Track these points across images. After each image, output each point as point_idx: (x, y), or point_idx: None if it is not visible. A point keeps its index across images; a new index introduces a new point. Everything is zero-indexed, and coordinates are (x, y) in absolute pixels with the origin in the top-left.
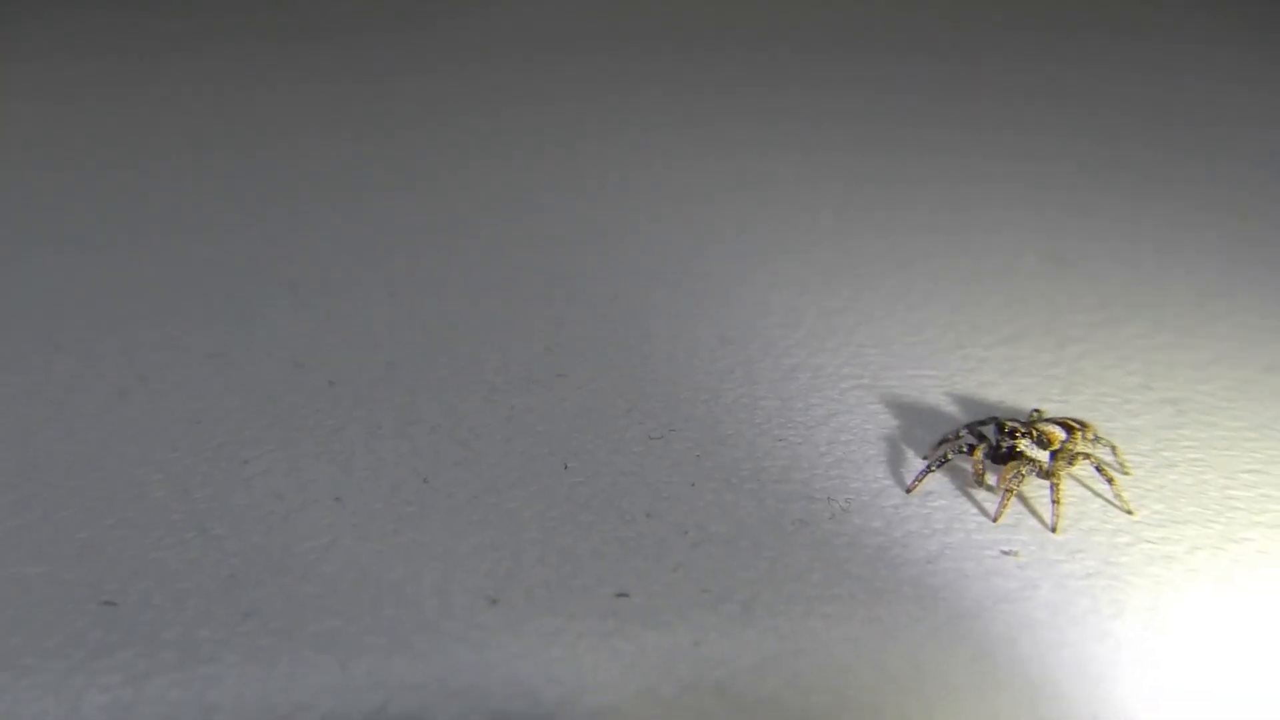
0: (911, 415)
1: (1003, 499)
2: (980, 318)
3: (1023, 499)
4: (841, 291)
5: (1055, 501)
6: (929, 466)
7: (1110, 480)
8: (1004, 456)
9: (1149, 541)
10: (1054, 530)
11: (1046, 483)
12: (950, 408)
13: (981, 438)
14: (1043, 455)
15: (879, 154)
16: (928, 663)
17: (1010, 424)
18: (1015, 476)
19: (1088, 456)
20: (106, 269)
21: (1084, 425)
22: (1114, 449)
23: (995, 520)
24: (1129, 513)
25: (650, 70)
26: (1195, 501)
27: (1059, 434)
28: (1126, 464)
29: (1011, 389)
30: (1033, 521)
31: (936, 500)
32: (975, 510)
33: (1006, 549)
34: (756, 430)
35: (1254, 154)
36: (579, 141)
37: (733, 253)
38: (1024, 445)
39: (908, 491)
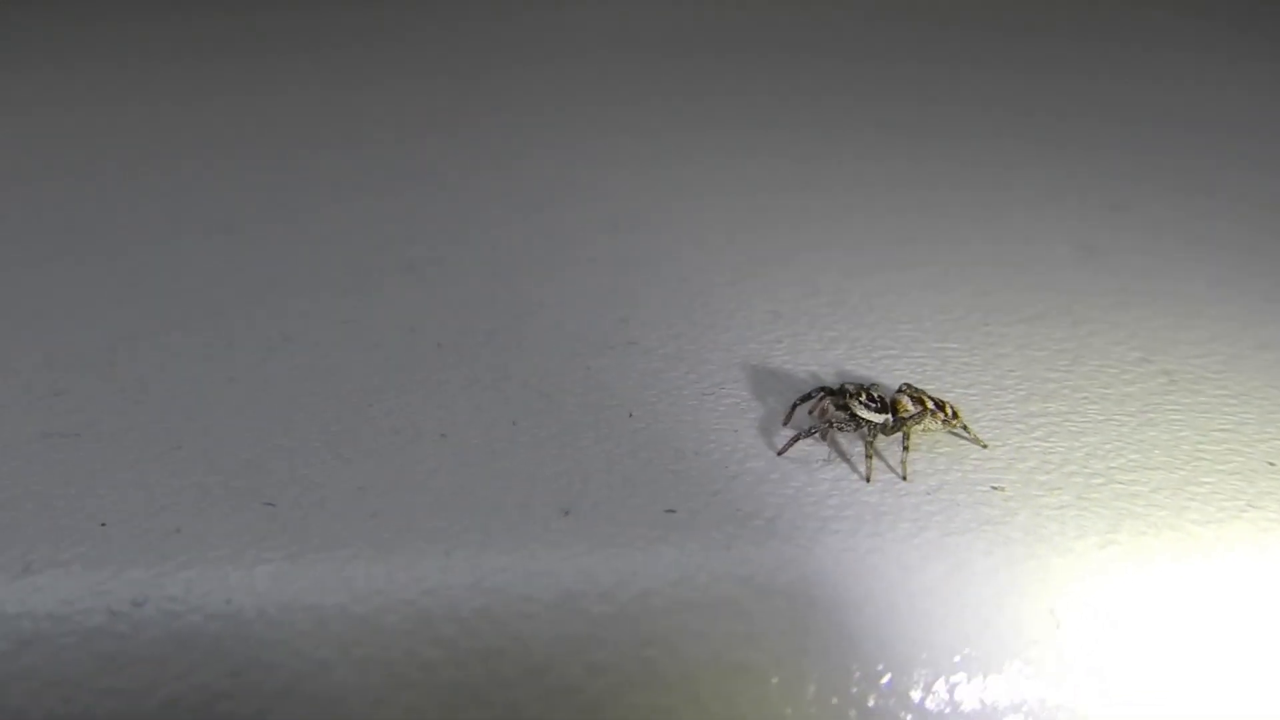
0: (932, 379)
1: (792, 438)
2: (1006, 299)
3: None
4: (883, 275)
5: (904, 449)
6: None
7: (906, 450)
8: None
9: (1119, 483)
10: (903, 478)
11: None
12: (967, 373)
13: (831, 392)
14: (875, 417)
15: (926, 154)
16: (914, 568)
17: (849, 387)
18: (820, 416)
19: (903, 430)
20: (255, 250)
21: (942, 406)
22: (966, 428)
23: (778, 453)
24: (903, 479)
25: (720, 73)
26: (1168, 453)
27: (907, 403)
28: (979, 439)
29: (1022, 360)
30: (1021, 464)
31: (941, 448)
32: (976, 454)
33: (996, 485)
34: (796, 390)
35: None
36: (658, 138)
37: (789, 241)
38: (855, 405)
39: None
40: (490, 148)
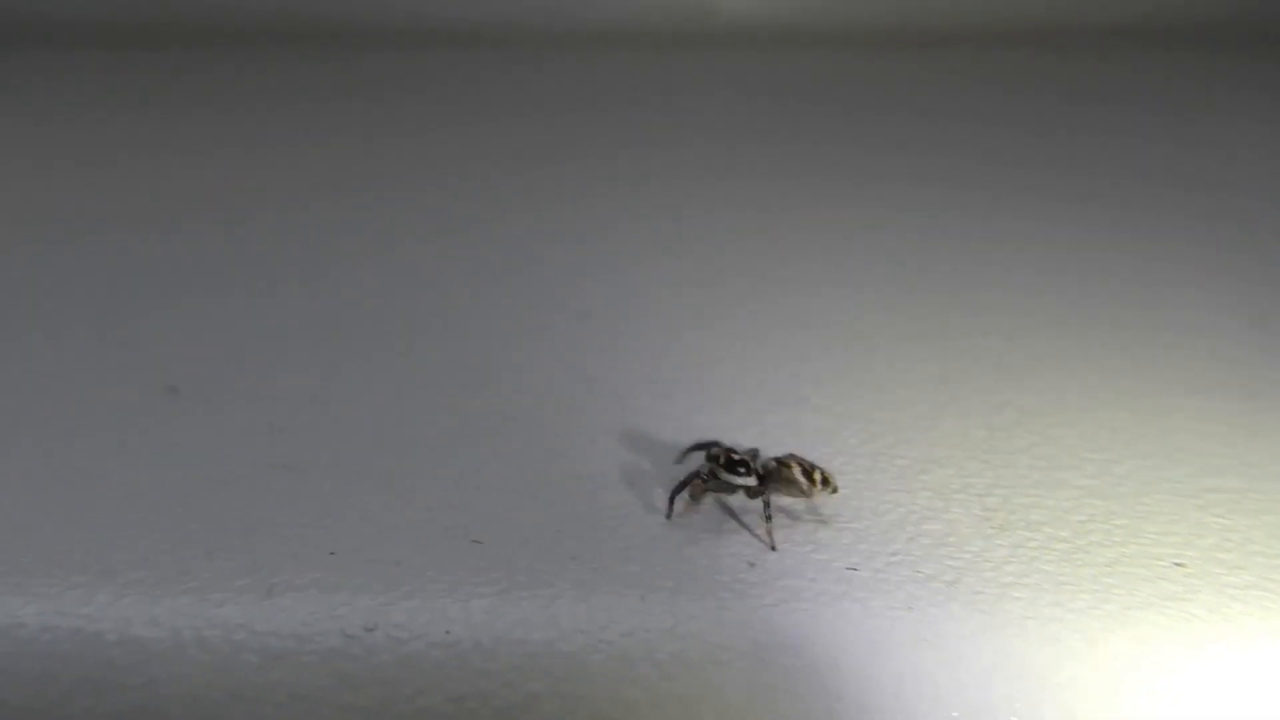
0: (1103, 449)
1: (669, 502)
2: (1177, 370)
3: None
4: (1051, 339)
5: (765, 517)
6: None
7: (768, 519)
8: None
9: None
10: (772, 548)
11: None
12: (1141, 444)
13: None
14: (739, 481)
15: (1093, 217)
16: (1099, 641)
17: (715, 451)
18: (691, 483)
19: (763, 495)
20: (446, 288)
21: (810, 474)
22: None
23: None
24: (772, 549)
25: (891, 128)
26: None
27: (773, 467)
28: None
29: (1195, 434)
30: (1201, 540)
31: (1117, 519)
32: (1153, 527)
33: (1178, 561)
34: (967, 453)
35: None
36: (829, 189)
37: (956, 300)
38: (718, 469)
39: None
40: (655, 199)
